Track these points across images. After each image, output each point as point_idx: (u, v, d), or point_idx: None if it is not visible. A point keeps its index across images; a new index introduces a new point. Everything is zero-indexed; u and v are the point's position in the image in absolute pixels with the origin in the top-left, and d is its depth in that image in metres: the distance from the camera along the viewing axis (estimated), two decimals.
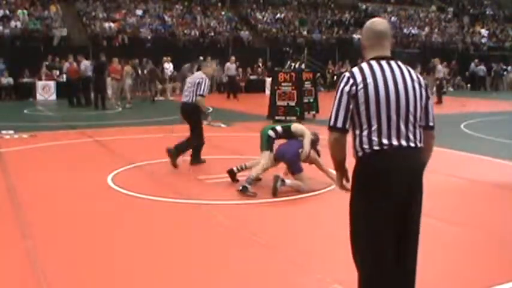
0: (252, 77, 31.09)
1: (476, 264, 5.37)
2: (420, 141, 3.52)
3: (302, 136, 8.18)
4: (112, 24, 30.04)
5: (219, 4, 36.25)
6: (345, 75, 3.58)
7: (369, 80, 3.46)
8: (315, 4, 40.25)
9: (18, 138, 12.95)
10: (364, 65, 3.58)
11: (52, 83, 25.96)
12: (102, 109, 20.75)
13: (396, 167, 3.41)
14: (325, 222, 6.79)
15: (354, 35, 36.66)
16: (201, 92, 9.77)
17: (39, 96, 25.54)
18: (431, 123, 3.63)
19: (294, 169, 7.96)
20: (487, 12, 47.26)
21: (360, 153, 3.47)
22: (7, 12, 28.93)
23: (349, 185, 3.66)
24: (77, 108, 21.64)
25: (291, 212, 7.21)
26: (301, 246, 5.80)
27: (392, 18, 40.88)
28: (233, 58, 26.35)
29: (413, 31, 39.83)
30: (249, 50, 32.48)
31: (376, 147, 3.41)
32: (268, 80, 25.98)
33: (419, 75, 3.57)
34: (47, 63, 26.37)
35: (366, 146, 3.43)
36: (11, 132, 13.67)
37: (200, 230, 6.32)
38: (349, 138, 3.52)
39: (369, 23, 3.76)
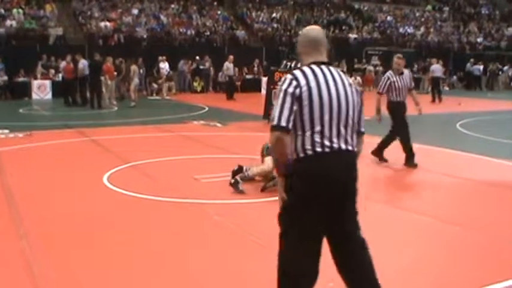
0: (248, 77, 31.08)
1: (473, 263, 5.38)
2: (355, 146, 3.68)
3: None
4: (108, 24, 29.97)
5: (215, 3, 36.22)
6: (287, 77, 3.60)
7: (312, 83, 3.54)
8: (310, 4, 40.25)
9: (13, 137, 12.92)
10: (306, 69, 3.63)
11: (48, 82, 25.89)
12: (98, 108, 20.71)
13: (337, 169, 3.56)
14: None
15: (350, 35, 36.68)
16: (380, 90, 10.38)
17: (34, 96, 25.46)
18: (362, 129, 3.80)
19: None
20: (483, 12, 47.35)
21: (302, 155, 3.54)
22: (2, 11, 28.82)
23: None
24: (72, 108, 21.59)
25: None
26: None
27: (388, 18, 40.96)
28: (231, 57, 26.32)
29: (409, 30, 39.89)
30: (245, 49, 32.47)
31: (318, 149, 3.51)
32: (264, 79, 25.97)
33: (353, 83, 3.73)
34: (42, 62, 26.31)
35: (308, 147, 3.52)
36: (6, 131, 13.63)
37: (196, 229, 6.32)
38: None
39: (305, 30, 3.86)
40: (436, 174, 9.63)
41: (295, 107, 3.51)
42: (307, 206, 3.56)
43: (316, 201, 3.55)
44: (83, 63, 22.06)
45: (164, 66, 27.25)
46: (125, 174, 9.04)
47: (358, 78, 28.85)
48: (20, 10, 29.06)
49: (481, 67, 35.46)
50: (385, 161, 10.09)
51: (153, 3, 34.14)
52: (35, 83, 25.77)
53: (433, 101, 24.50)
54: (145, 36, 30.20)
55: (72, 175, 9.06)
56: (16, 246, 5.59)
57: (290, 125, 3.50)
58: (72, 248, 5.55)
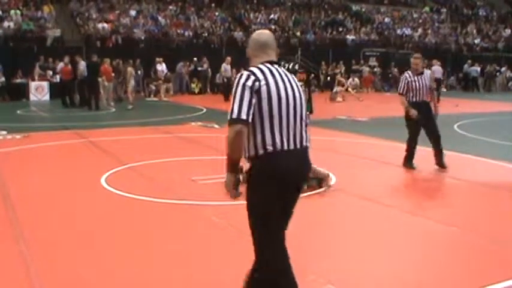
0: None
1: (471, 264, 5.39)
2: (308, 141, 3.84)
3: None
4: (105, 25, 29.95)
5: (213, 5, 36.22)
6: (244, 73, 3.66)
7: (270, 79, 3.62)
8: (308, 5, 40.27)
9: (11, 138, 12.91)
10: (261, 66, 3.72)
11: (45, 84, 25.88)
12: (96, 110, 20.70)
13: (297, 164, 3.70)
14: (319, 222, 6.79)
15: (348, 36, 36.70)
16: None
17: (32, 97, 25.45)
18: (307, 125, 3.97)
19: None
20: (480, 13, 47.42)
21: (261, 151, 3.60)
22: (0, 12, 28.83)
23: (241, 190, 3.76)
24: (70, 109, 21.59)
25: None
26: (295, 245, 5.78)
27: (386, 19, 40.99)
28: (229, 59, 26.32)
29: (406, 32, 39.92)
30: (243, 50, 32.27)
31: (278, 145, 3.59)
32: None
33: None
34: (39, 63, 26.29)
35: (269, 143, 3.59)
36: (4, 132, 13.62)
37: (194, 230, 6.31)
38: None
39: (255, 34, 3.98)
40: (433, 175, 9.64)
41: (254, 100, 3.55)
42: (272, 203, 3.66)
43: (280, 196, 3.67)
44: (82, 64, 22.06)
45: (161, 68, 27.24)
46: (123, 176, 9.04)
47: (356, 79, 28.85)
48: (18, 11, 29.04)
49: (479, 68, 35.50)
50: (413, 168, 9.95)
51: (150, 4, 34.15)
52: (33, 85, 25.76)
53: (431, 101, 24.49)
54: (143, 37, 30.20)
55: (69, 177, 9.06)
56: (13, 249, 5.58)
57: (250, 118, 3.52)
58: (70, 250, 5.55)
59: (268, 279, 3.83)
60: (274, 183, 3.61)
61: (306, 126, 3.86)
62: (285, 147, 3.61)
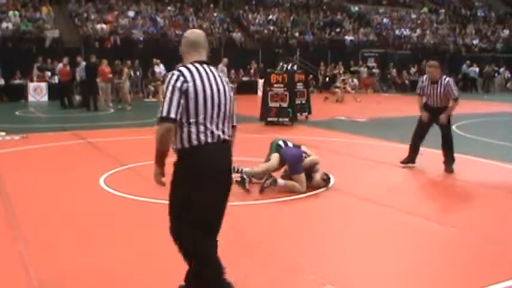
0: (244, 79, 31.09)
1: (470, 265, 5.39)
2: (231, 136, 4.15)
3: (306, 153, 8.31)
4: (104, 26, 29.95)
5: (211, 5, 36.22)
6: (174, 73, 3.95)
7: (197, 79, 3.92)
8: (306, 6, 40.29)
9: (9, 139, 12.90)
10: (190, 66, 4.02)
11: (44, 85, 25.88)
12: (94, 111, 20.69)
13: (221, 157, 4.01)
14: (318, 223, 6.79)
15: (346, 37, 36.72)
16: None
17: (30, 98, 25.45)
18: (234, 123, 4.25)
19: (294, 169, 8.06)
20: (478, 14, 47.46)
21: (187, 145, 3.90)
22: None
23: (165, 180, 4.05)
24: (68, 110, 21.57)
25: (284, 212, 7.21)
26: (294, 246, 5.80)
27: (384, 20, 41.01)
28: (225, 60, 26.35)
29: (405, 32, 39.94)
30: (241, 51, 32.49)
31: (203, 139, 3.89)
32: (261, 81, 25.99)
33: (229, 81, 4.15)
34: (38, 64, 26.28)
35: (194, 137, 3.89)
36: (3, 133, 13.61)
37: None
38: None
39: (187, 33, 4.29)
40: (432, 175, 9.65)
41: (182, 101, 3.84)
42: (199, 193, 3.92)
43: (207, 188, 3.93)
44: (83, 65, 22.06)
45: (159, 69, 27.25)
46: (122, 177, 9.03)
47: (355, 80, 28.87)
48: (17, 12, 29.03)
49: (477, 69, 35.55)
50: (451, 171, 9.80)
51: (149, 5, 34.14)
52: (31, 86, 25.76)
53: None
54: (141, 38, 30.20)
55: (68, 177, 9.05)
56: (12, 249, 5.58)
57: (178, 117, 3.84)
58: (69, 251, 5.54)
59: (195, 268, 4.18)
60: (198, 176, 3.91)
61: (229, 122, 4.12)
62: (209, 141, 3.91)
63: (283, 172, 8.33)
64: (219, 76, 4.07)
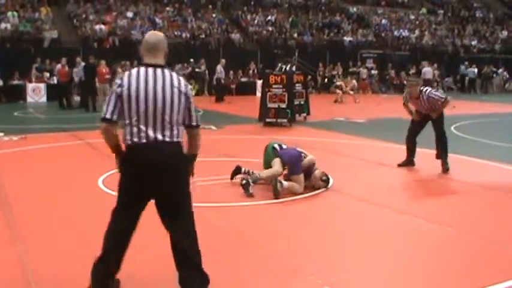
0: (243, 79, 31.10)
1: (467, 265, 5.40)
2: (176, 137, 4.22)
3: (304, 153, 8.33)
4: (103, 27, 29.96)
5: (210, 6, 36.23)
6: (117, 79, 4.26)
7: (133, 84, 4.12)
8: (305, 7, 40.30)
9: (8, 140, 12.90)
10: (133, 70, 4.24)
11: (42, 85, 25.88)
12: (93, 111, 20.69)
13: (152, 157, 4.14)
14: (317, 224, 6.80)
15: (345, 38, 36.74)
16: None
17: (29, 99, 25.45)
18: (193, 123, 4.36)
19: (294, 170, 8.07)
20: (477, 15, 47.50)
21: (126, 143, 4.22)
22: None
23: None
24: (67, 111, 21.56)
25: (283, 213, 7.21)
26: (293, 247, 5.81)
27: (383, 21, 41.03)
28: (223, 61, 26.39)
29: (403, 33, 39.97)
30: (240, 52, 32.50)
31: (135, 140, 4.14)
32: (259, 82, 26.01)
33: (182, 83, 4.24)
34: (36, 65, 26.27)
35: (128, 137, 4.17)
36: (1, 134, 13.60)
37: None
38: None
39: (146, 35, 4.41)
40: (430, 176, 9.65)
41: (119, 104, 4.14)
42: (128, 187, 4.33)
43: (136, 183, 4.23)
44: (81, 66, 22.05)
45: None
46: None
47: (354, 81, 28.87)
48: (15, 13, 29.02)
49: (476, 70, 35.58)
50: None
51: (148, 6, 34.14)
52: (30, 86, 25.75)
53: None
54: (140, 39, 30.12)
55: (67, 178, 9.05)
56: (11, 249, 5.58)
57: (114, 117, 4.16)
58: (67, 251, 5.55)
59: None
60: (130, 171, 4.25)
61: (187, 125, 4.32)
62: (142, 141, 4.12)
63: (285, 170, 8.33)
64: (165, 80, 4.17)
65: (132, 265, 4.83)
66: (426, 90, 9.78)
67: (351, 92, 27.24)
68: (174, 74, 4.24)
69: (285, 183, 7.87)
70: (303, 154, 8.24)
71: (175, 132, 4.20)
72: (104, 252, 4.43)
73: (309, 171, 8.21)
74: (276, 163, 8.16)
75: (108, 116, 4.16)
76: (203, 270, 4.46)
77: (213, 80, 28.66)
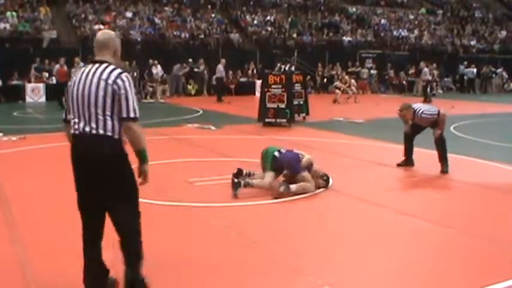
0: (242, 79, 31.10)
1: (468, 265, 5.40)
2: (103, 129, 4.20)
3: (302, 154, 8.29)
4: (102, 27, 29.89)
5: (209, 6, 36.22)
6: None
7: (76, 80, 4.33)
8: (304, 7, 40.29)
9: (7, 140, 12.90)
10: (84, 66, 4.48)
11: (41, 85, 25.85)
12: None
13: (82, 148, 4.26)
14: (317, 224, 6.80)
15: (344, 38, 36.73)
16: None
17: (28, 99, 25.42)
18: (124, 115, 4.23)
19: (294, 169, 8.04)
20: (476, 15, 47.50)
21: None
22: None
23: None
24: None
25: (283, 213, 7.22)
26: (292, 247, 5.81)
27: (382, 21, 41.02)
28: (223, 61, 26.41)
29: (402, 33, 39.97)
30: (239, 52, 32.48)
31: (72, 131, 4.32)
32: (259, 82, 26.00)
33: (112, 75, 4.20)
34: (35, 65, 26.26)
35: (70, 129, 4.37)
36: (0, 134, 13.60)
37: (190, 232, 6.32)
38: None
39: (97, 34, 4.56)
40: (429, 176, 9.66)
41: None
42: (75, 179, 4.42)
43: (77, 176, 4.38)
44: (80, 66, 22.07)
45: (156, 70, 27.25)
46: None
47: (353, 81, 28.87)
48: (14, 13, 28.99)
49: (475, 70, 35.57)
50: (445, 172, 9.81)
51: (147, 6, 34.11)
52: (29, 86, 25.73)
53: (424, 101, 24.65)
54: (139, 39, 30.19)
55: (66, 179, 8.97)
56: (10, 250, 5.58)
57: (67, 117, 4.41)
58: (66, 252, 5.54)
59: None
60: (73, 166, 4.38)
61: (119, 117, 4.23)
62: (76, 133, 4.28)
63: (283, 176, 8.28)
64: (96, 73, 4.23)
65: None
66: (419, 110, 9.86)
67: (351, 90, 27.08)
68: (109, 68, 4.24)
69: (293, 186, 7.86)
70: (300, 155, 8.23)
71: (101, 124, 4.21)
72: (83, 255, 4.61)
73: (308, 170, 8.20)
74: (268, 176, 8.08)
75: (63, 116, 4.51)
76: (138, 272, 4.50)
77: (212, 80, 28.71)
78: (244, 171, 8.39)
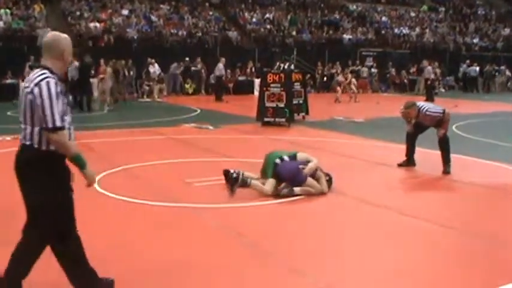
0: (240, 78, 31.10)
1: (472, 267, 5.42)
2: (29, 140, 4.16)
3: (308, 161, 8.21)
4: (97, 24, 29.92)
5: (207, 4, 36.21)
6: None
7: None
8: (304, 4, 40.31)
9: (1, 140, 12.89)
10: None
11: None
12: (88, 111, 20.68)
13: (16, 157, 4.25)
14: (317, 224, 6.81)
15: (344, 36, 36.74)
16: None
17: None
18: (43, 125, 4.09)
19: (297, 180, 7.99)
20: (479, 12, 47.55)
21: None
22: None
23: None
24: None
25: (284, 214, 7.23)
26: (293, 249, 5.82)
27: (383, 18, 41.04)
28: (223, 59, 26.42)
29: (404, 31, 39.99)
30: (238, 50, 32.48)
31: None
32: (257, 81, 26.01)
33: (33, 82, 4.11)
34: (30, 63, 26.22)
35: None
36: None
37: (189, 233, 6.33)
38: None
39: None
40: (431, 177, 9.68)
41: None
42: None
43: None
44: (75, 65, 22.05)
45: (153, 69, 27.25)
46: (116, 178, 9.04)
47: (353, 80, 28.89)
48: (8, 10, 28.97)
49: (478, 68, 35.55)
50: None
51: (143, 3, 34.11)
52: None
53: (426, 100, 24.66)
54: (135, 37, 30.18)
55: None
56: (2, 252, 5.58)
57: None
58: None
59: None
60: None
61: (27, 124, 4.16)
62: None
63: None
64: (28, 81, 4.19)
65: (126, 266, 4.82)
66: (423, 108, 9.84)
67: (350, 89, 27.05)
68: (36, 75, 4.16)
69: (297, 189, 7.86)
70: (301, 166, 8.14)
71: (25, 133, 4.19)
72: None
73: (312, 177, 8.16)
74: (269, 184, 8.04)
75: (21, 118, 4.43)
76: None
77: (210, 79, 28.70)
78: (232, 171, 8.27)
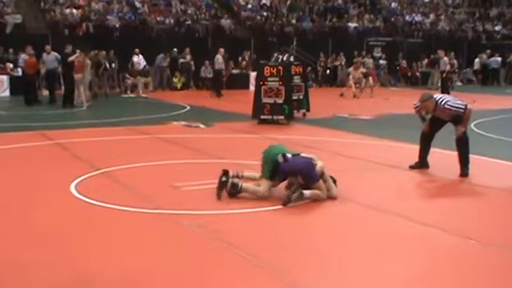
0: (234, 71, 31.09)
1: (488, 282, 5.42)
2: None
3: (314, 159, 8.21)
4: (74, 11, 29.88)
5: None
6: None
7: None
8: None
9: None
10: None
11: (5, 78, 25.72)
12: (70, 107, 20.61)
13: None
14: (318, 233, 6.81)
15: (349, 24, 36.76)
16: None
17: None
18: None
19: (311, 179, 7.98)
20: None
21: None
22: None
23: None
24: (34, 107, 21.48)
25: (283, 222, 7.22)
26: (292, 260, 5.82)
27: (393, 4, 41.07)
28: (222, 50, 26.28)
29: (416, 18, 40.01)
30: (231, 40, 32.45)
31: None
32: (253, 74, 26.02)
33: None
34: None
35: None
36: None
37: (176, 243, 6.32)
38: None
39: None
40: (446, 180, 9.68)
41: None
42: None
43: None
44: (54, 55, 22.06)
45: (138, 60, 27.23)
46: (95, 182, 9.03)
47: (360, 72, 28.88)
48: None
49: (499, 59, 35.49)
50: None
51: None
52: None
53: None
54: (117, 25, 30.14)
55: (35, 183, 9.03)
56: None
57: None
58: (36, 265, 5.55)
59: None
60: None
61: None
62: None
63: (288, 184, 8.24)
64: None
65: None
66: (442, 100, 9.63)
67: (370, 81, 26.98)
68: None
69: (307, 192, 7.86)
70: (312, 161, 8.13)
71: None
72: None
73: (320, 178, 8.17)
74: (265, 185, 8.07)
75: None
76: None
77: (203, 72, 28.69)
78: (231, 173, 8.33)
